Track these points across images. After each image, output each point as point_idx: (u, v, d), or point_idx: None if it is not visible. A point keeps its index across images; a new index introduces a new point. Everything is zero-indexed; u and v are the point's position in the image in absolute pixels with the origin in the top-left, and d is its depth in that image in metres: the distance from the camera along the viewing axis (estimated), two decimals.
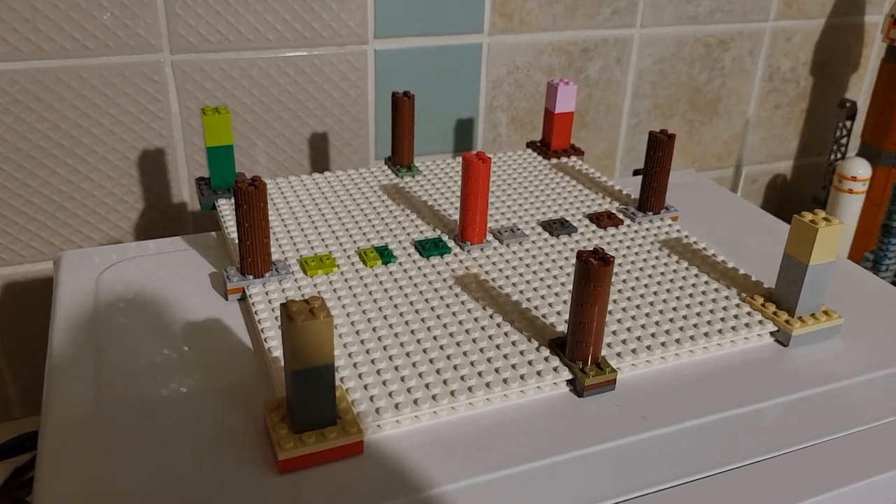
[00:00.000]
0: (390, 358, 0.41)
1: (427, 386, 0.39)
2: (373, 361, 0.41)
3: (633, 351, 0.43)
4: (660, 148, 0.56)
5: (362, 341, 0.42)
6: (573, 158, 0.69)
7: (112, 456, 0.36)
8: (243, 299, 0.48)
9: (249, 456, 0.36)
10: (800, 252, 0.45)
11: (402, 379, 0.40)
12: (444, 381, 0.40)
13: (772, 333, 0.46)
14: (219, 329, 0.45)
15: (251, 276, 0.47)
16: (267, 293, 0.47)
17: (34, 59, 0.65)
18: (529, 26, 0.80)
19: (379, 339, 0.43)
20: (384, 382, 0.39)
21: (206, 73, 0.70)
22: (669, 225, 0.57)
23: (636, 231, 0.56)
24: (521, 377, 0.40)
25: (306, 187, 0.61)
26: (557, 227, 0.56)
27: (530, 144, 0.71)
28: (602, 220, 0.57)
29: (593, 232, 0.56)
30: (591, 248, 0.39)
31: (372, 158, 0.81)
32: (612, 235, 0.55)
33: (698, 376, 0.43)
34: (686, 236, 0.55)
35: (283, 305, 0.34)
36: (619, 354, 0.42)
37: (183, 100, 0.71)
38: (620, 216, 0.58)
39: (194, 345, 0.44)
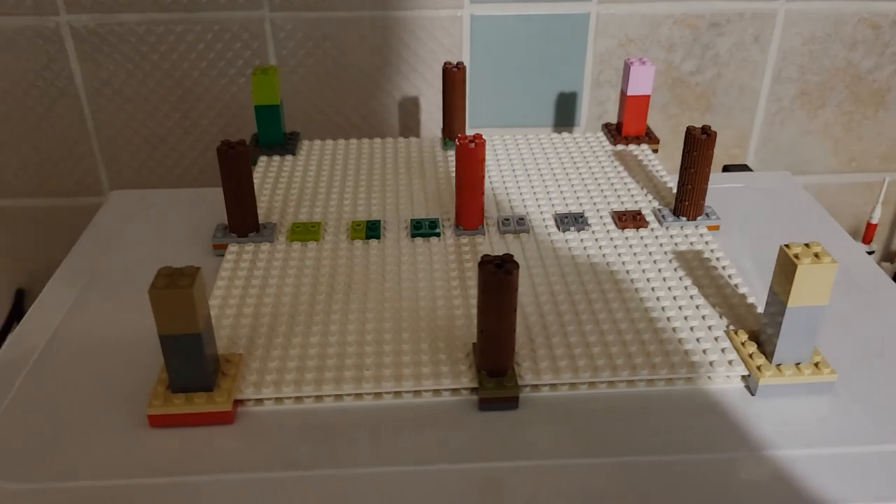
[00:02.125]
0: (304, 335, 0.42)
1: (320, 370, 0.39)
2: (285, 336, 0.42)
3: (555, 370, 0.39)
4: (695, 147, 0.49)
5: (293, 315, 0.43)
6: (643, 147, 0.62)
7: (27, 396, 0.40)
8: None
9: (141, 407, 0.38)
10: (781, 289, 0.38)
11: (301, 358, 0.40)
12: (341, 368, 0.39)
13: (743, 378, 0.40)
14: None
15: (234, 235, 0.50)
16: (243, 253, 0.49)
17: (151, 12, 0.71)
18: None
19: (310, 315, 0.43)
20: (281, 359, 0.40)
21: (305, 32, 0.73)
22: (701, 235, 0.51)
23: (657, 237, 0.50)
24: (417, 377, 0.39)
25: (349, 151, 0.62)
26: (569, 221, 0.52)
27: (606, 126, 0.66)
28: (626, 219, 0.52)
29: (607, 232, 0.51)
30: (501, 254, 0.36)
31: (466, 128, 0.79)
32: (626, 238, 0.50)
33: (630, 410, 0.38)
34: (713, 251, 0.49)
35: (159, 270, 0.35)
36: (535, 371, 0.39)
37: (281, 56, 0.75)
38: (650, 218, 0.52)
39: None
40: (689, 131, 0.49)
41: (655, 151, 0.63)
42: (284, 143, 0.62)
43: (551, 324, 0.42)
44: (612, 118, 0.79)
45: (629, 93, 0.62)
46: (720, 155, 0.82)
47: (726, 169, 0.66)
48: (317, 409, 0.38)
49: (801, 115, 0.80)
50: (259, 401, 0.38)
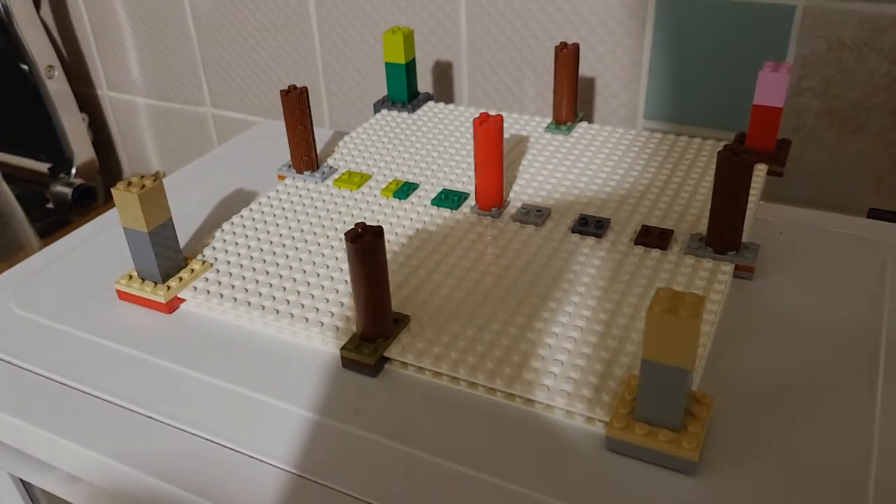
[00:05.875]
0: (258, 261, 0.47)
1: (239, 290, 0.44)
2: (246, 258, 0.47)
3: (420, 352, 0.39)
4: (726, 169, 0.42)
5: (266, 244, 0.49)
6: (760, 166, 0.54)
7: (80, 256, 0.52)
8: None
9: None
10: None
11: (234, 277, 0.45)
12: (257, 295, 0.44)
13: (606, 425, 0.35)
14: (245, 200, 0.56)
15: (294, 170, 0.56)
16: (290, 186, 0.55)
17: None
18: None
19: (276, 247, 0.48)
20: (225, 273, 0.46)
21: (498, 9, 0.75)
22: (721, 272, 0.43)
23: (667, 262, 0.44)
24: (307, 319, 0.42)
25: (459, 119, 0.64)
26: (587, 224, 0.48)
27: (737, 136, 0.58)
28: (648, 236, 0.47)
29: (616, 244, 0.46)
30: (372, 225, 0.37)
31: (640, 116, 0.75)
32: (633, 255, 0.45)
33: (476, 414, 0.37)
34: (715, 291, 0.42)
35: (131, 177, 0.44)
36: (402, 348, 0.39)
37: (469, 21, 0.78)
38: (679, 241, 0.46)
39: (225, 200, 0.56)
40: (721, 154, 0.42)
41: (778, 175, 0.54)
42: (409, 101, 0.66)
43: (463, 312, 0.42)
44: (813, 134, 0.68)
45: (756, 102, 0.53)
46: None
47: (871, 213, 0.53)
48: (225, 324, 0.44)
49: None
50: (195, 303, 0.45)
